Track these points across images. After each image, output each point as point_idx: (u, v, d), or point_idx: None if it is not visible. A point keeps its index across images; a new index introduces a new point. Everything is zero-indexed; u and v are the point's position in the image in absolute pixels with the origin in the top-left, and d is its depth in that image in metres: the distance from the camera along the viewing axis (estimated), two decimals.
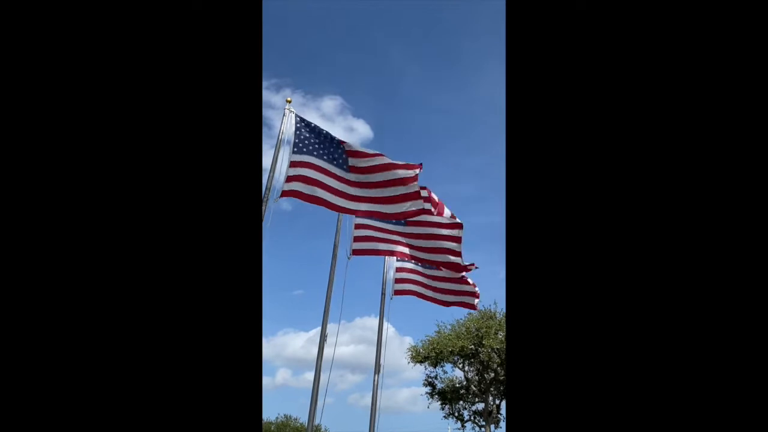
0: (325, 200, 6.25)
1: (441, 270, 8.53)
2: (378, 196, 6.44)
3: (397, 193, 6.40)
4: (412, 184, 6.37)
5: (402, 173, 6.38)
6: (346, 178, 6.44)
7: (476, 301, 8.93)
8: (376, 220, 7.77)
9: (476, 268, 8.79)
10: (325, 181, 6.31)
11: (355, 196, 6.43)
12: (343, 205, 6.37)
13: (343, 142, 6.56)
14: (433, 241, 7.76)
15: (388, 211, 6.45)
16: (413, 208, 6.39)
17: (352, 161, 6.52)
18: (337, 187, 6.37)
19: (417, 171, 6.41)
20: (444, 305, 8.89)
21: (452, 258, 7.65)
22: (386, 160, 6.44)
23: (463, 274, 8.62)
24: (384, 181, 6.41)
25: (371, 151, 6.52)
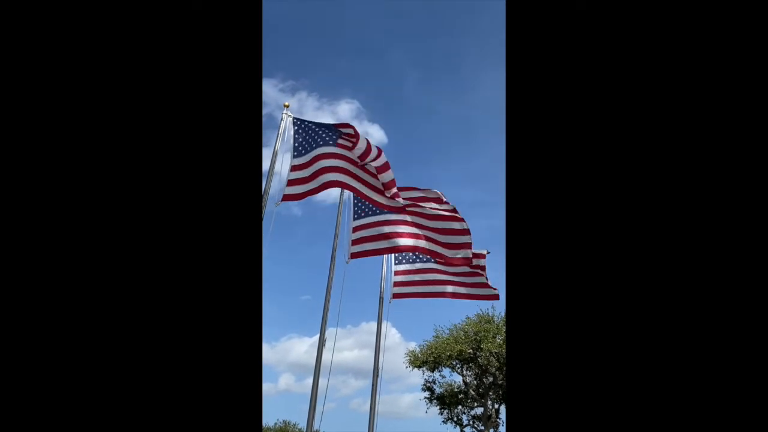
0: (324, 183, 6.27)
1: (444, 262, 8.38)
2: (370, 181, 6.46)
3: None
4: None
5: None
6: (342, 153, 6.45)
7: (492, 291, 8.43)
8: (373, 216, 7.74)
9: (488, 253, 8.63)
10: (323, 164, 6.35)
11: (350, 171, 6.43)
12: (341, 180, 6.37)
13: (339, 125, 6.59)
14: (436, 222, 7.72)
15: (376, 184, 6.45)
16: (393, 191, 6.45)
17: (343, 142, 6.54)
18: (334, 165, 6.39)
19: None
20: (453, 297, 8.54)
21: (459, 239, 7.58)
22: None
23: (475, 262, 8.46)
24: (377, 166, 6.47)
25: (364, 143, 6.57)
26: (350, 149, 6.41)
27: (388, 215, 7.62)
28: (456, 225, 7.42)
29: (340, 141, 6.43)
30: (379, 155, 6.38)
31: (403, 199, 6.80)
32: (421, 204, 7.16)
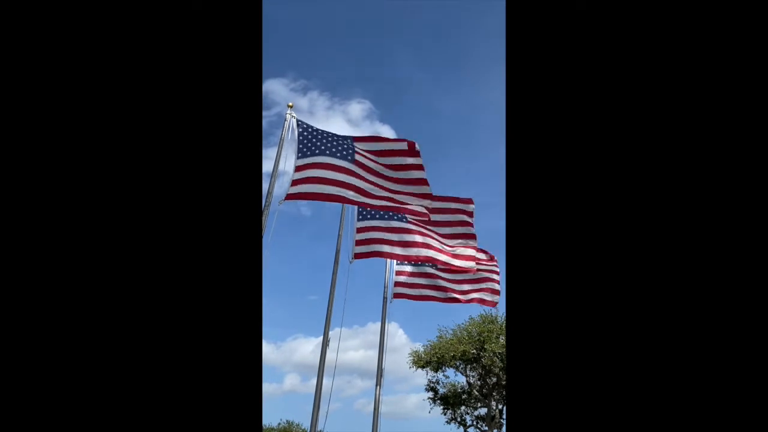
0: (333, 195, 6.35)
1: (449, 268, 8.42)
2: (390, 187, 6.66)
3: (407, 186, 6.66)
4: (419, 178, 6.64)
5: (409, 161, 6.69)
6: (355, 171, 6.56)
7: (493, 298, 8.52)
8: (379, 220, 7.79)
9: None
10: (332, 177, 6.42)
11: (364, 190, 6.54)
12: (353, 198, 6.47)
13: (356, 138, 6.73)
14: (443, 228, 7.79)
15: (400, 200, 6.63)
16: (423, 200, 6.65)
17: (359, 146, 6.70)
18: (346, 180, 6.47)
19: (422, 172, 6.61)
20: (452, 302, 8.62)
21: (467, 246, 7.65)
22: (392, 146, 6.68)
23: (481, 266, 8.51)
24: (393, 165, 6.68)
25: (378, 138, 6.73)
26: (374, 163, 6.57)
27: (396, 222, 7.69)
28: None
29: (358, 158, 6.59)
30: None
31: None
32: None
